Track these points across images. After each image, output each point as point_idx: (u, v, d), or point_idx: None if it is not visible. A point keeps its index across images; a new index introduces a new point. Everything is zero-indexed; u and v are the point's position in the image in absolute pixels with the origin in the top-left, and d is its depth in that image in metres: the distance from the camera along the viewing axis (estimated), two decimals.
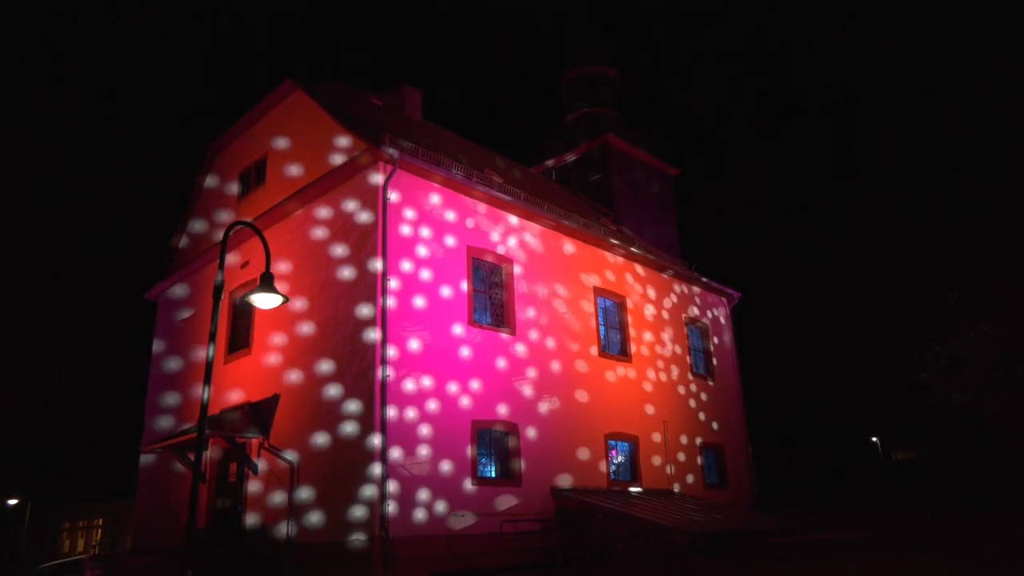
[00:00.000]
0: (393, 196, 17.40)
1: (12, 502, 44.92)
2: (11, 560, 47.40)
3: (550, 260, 21.30)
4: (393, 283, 16.78)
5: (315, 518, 16.35)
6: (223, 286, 9.71)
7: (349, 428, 16.10)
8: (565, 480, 19.27)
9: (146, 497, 23.04)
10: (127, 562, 21.86)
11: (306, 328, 18.23)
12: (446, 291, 18.00)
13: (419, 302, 17.26)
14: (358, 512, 15.27)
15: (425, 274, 17.64)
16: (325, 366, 17.28)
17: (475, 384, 17.88)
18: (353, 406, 16.14)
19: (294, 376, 18.17)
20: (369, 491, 15.16)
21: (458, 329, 17.97)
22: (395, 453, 15.63)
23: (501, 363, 18.77)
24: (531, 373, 19.44)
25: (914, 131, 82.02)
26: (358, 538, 15.11)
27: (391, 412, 15.76)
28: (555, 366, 20.21)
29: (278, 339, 19.05)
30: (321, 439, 16.76)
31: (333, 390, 16.82)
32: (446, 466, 16.56)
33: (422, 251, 17.75)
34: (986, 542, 16.30)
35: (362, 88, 26.11)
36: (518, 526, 17.42)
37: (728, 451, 26.09)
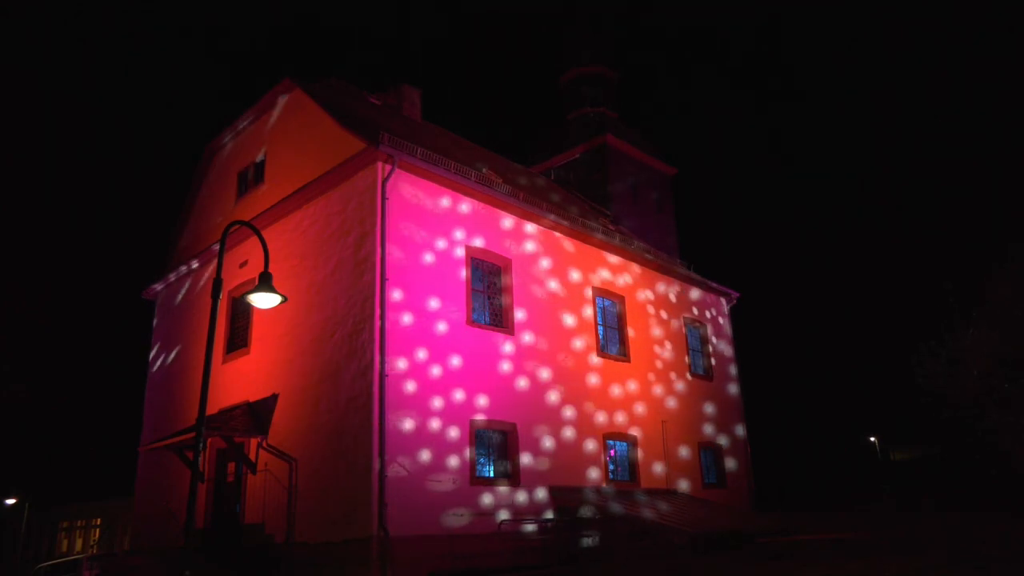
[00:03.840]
0: (391, 196, 17.38)
1: (10, 502, 44.87)
2: (9, 560, 47.34)
3: (548, 260, 21.28)
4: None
5: (313, 518, 16.33)
6: (221, 285, 9.69)
7: (347, 428, 16.07)
8: (563, 480, 19.24)
9: (144, 497, 23.01)
10: (125, 562, 21.85)
11: (304, 328, 18.21)
12: (444, 291, 17.97)
13: (417, 302, 17.24)
14: (356, 512, 15.24)
15: (424, 274, 17.62)
16: (323, 366, 17.26)
17: (473, 384, 17.86)
18: (351, 406, 16.12)
19: (292, 376, 18.14)
20: (367, 491, 15.13)
21: (456, 329, 17.95)
22: (393, 453, 15.60)
23: (500, 363, 18.75)
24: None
25: (915, 130, 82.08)
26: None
27: (389, 412, 15.74)
28: (554, 366, 20.18)
29: (276, 339, 19.03)
30: (319, 438, 16.74)
31: (331, 390, 16.80)
32: (445, 466, 16.53)
33: (420, 251, 17.73)
34: (986, 542, 16.29)
35: (361, 88, 26.10)
36: (516, 526, 17.41)
37: (726, 451, 26.10)
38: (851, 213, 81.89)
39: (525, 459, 18.48)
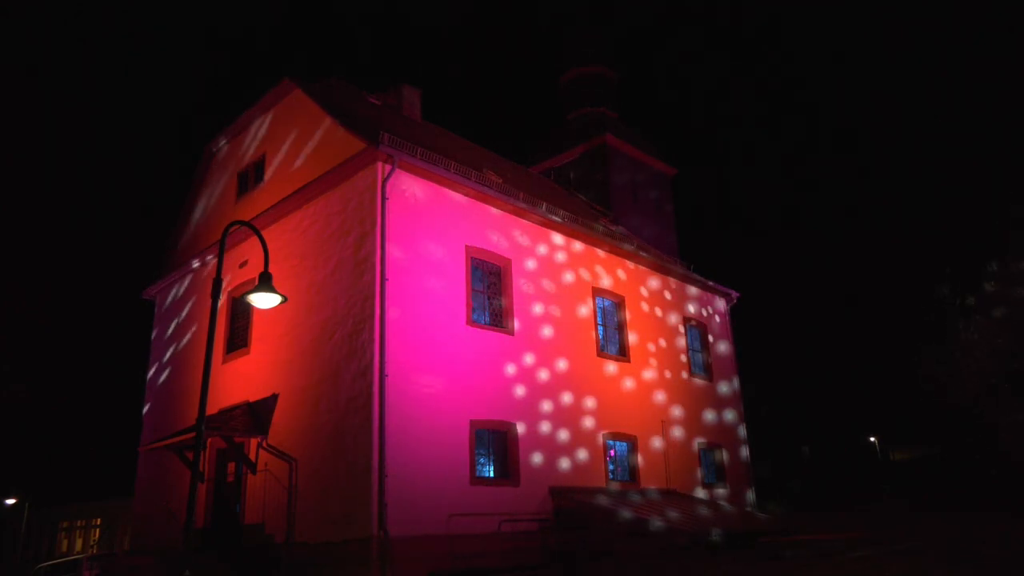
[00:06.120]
0: (391, 196, 17.37)
1: (10, 502, 44.88)
2: (9, 560, 47.35)
3: (548, 260, 21.28)
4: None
5: (313, 518, 16.33)
6: (221, 285, 9.69)
7: (347, 428, 16.07)
8: (563, 480, 19.24)
9: (144, 497, 23.01)
10: (125, 562, 21.85)
11: (304, 328, 18.20)
12: (445, 291, 17.96)
13: (418, 302, 17.23)
14: (356, 512, 15.24)
15: (423, 274, 17.61)
16: (323, 366, 17.25)
17: (473, 384, 17.85)
18: (351, 406, 16.11)
19: (292, 376, 18.14)
20: (367, 491, 15.13)
21: (456, 329, 17.94)
22: (393, 453, 15.59)
23: (499, 363, 18.74)
24: None
25: (913, 130, 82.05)
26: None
27: (389, 412, 15.73)
28: (553, 366, 20.19)
29: (276, 339, 19.02)
30: (319, 438, 16.74)
31: (331, 390, 16.79)
32: (444, 466, 16.52)
33: (420, 251, 17.72)
34: (986, 542, 16.30)
35: (361, 88, 26.09)
36: (516, 526, 17.40)
37: (726, 451, 26.09)
38: (851, 213, 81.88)
39: (525, 459, 18.47)
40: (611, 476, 21.03)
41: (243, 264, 20.71)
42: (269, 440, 17.97)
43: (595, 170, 32.76)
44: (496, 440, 18.32)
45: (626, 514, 18.03)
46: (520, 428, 18.63)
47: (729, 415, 27.00)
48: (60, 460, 47.66)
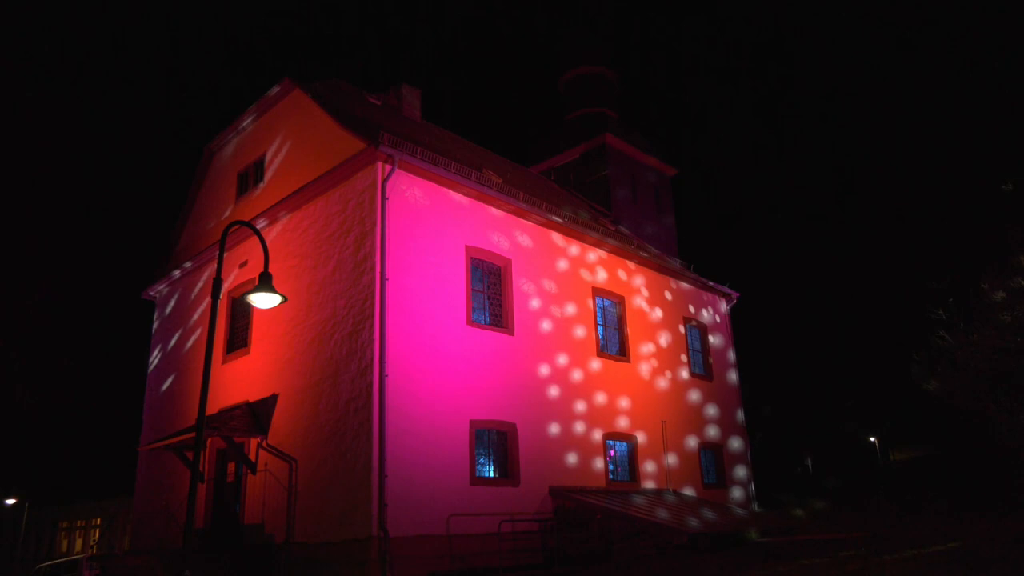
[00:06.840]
0: (391, 196, 17.37)
1: (10, 501, 44.87)
2: (9, 560, 47.34)
3: (548, 260, 21.28)
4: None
5: (313, 518, 16.33)
6: (221, 285, 9.69)
7: (347, 428, 16.06)
8: (563, 480, 19.24)
9: (144, 497, 23.01)
10: (125, 562, 21.83)
11: (304, 327, 18.20)
12: (444, 291, 17.96)
13: (418, 302, 17.23)
14: (356, 512, 15.24)
15: (423, 274, 17.61)
16: (323, 366, 17.25)
17: (473, 384, 17.85)
18: (351, 406, 16.12)
19: (292, 376, 18.14)
20: (367, 491, 15.13)
21: (456, 329, 17.94)
22: (393, 453, 15.59)
23: (500, 363, 18.73)
24: None
25: (912, 130, 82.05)
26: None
27: (389, 412, 15.73)
28: (554, 366, 20.18)
29: (276, 339, 19.02)
30: (319, 439, 16.74)
31: (331, 390, 16.79)
32: (444, 466, 16.51)
33: (420, 251, 17.71)
34: (986, 542, 16.29)
35: (361, 88, 26.10)
36: (516, 526, 17.40)
37: (726, 450, 26.10)
38: (851, 213, 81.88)
39: (525, 459, 18.46)
40: (611, 476, 21.03)
41: (243, 264, 20.71)
42: (269, 440, 17.97)
43: (595, 170, 32.75)
44: (496, 440, 18.32)
45: (626, 514, 18.03)
46: (520, 428, 18.62)
47: (729, 415, 27.00)
48: (60, 460, 47.69)
